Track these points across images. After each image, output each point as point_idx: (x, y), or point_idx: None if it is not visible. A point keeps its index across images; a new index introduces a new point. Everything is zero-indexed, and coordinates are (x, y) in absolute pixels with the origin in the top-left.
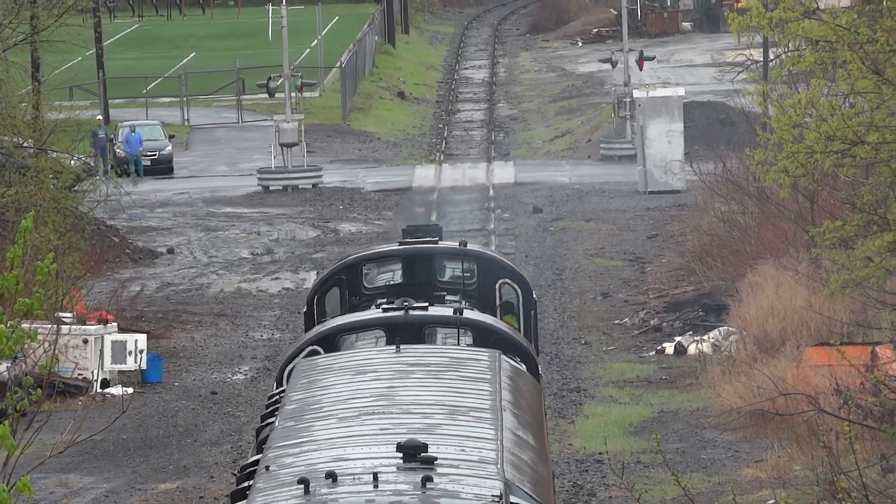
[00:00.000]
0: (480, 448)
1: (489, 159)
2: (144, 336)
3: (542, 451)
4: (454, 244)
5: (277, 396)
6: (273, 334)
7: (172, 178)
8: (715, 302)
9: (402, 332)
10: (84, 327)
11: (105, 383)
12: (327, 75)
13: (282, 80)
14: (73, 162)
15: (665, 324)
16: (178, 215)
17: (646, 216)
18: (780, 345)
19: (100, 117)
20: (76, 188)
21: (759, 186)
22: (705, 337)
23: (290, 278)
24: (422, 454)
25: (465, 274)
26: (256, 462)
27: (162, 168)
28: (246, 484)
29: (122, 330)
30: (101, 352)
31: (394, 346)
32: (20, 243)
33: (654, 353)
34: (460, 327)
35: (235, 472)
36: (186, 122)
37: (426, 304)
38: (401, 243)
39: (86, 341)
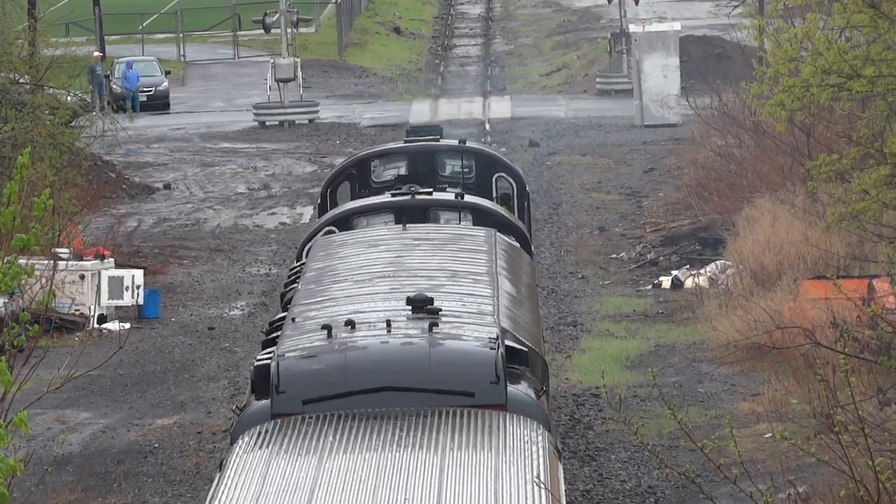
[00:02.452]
0: (479, 303)
1: (485, 94)
2: (141, 272)
3: (533, 310)
4: (454, 142)
5: (298, 268)
6: (270, 269)
7: (169, 113)
8: (711, 236)
9: (409, 214)
10: (81, 263)
11: (102, 319)
12: (323, 11)
13: (278, 15)
14: (69, 98)
15: (662, 258)
16: (174, 151)
17: (642, 150)
18: (777, 278)
19: (98, 53)
20: (73, 124)
21: (756, 120)
22: (702, 271)
23: (287, 213)
24: (428, 306)
25: (465, 169)
26: (282, 318)
27: (158, 104)
28: (275, 335)
29: (118, 265)
30: (98, 287)
31: (401, 225)
32: (17, 179)
33: (650, 287)
34: (461, 210)
35: (263, 330)
36: (182, 59)
37: (430, 189)
38: (405, 141)
39: (83, 277)
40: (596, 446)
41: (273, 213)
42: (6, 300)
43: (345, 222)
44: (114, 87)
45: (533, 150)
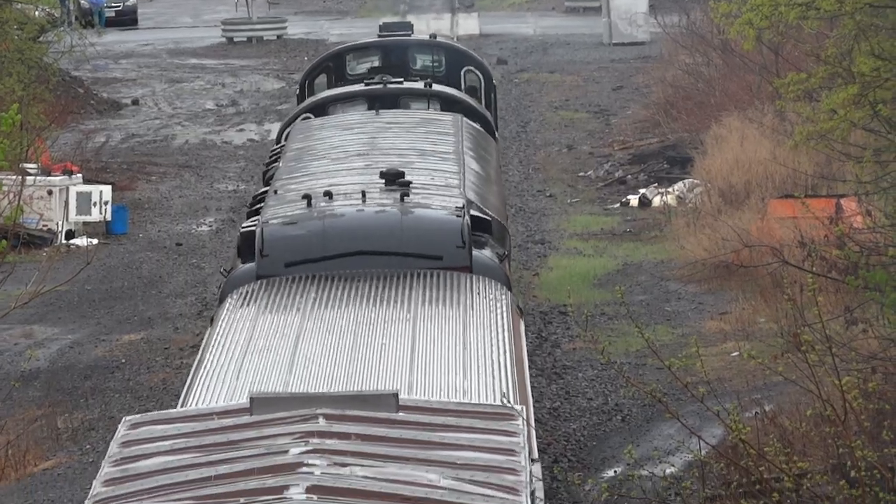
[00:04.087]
0: (447, 177)
1: (453, 10)
2: (109, 187)
3: (498, 187)
4: (425, 37)
5: (278, 149)
6: (238, 186)
7: (137, 29)
8: (679, 154)
9: (382, 101)
10: (49, 178)
11: (70, 234)
12: None
13: None
14: (37, 13)
15: (629, 176)
16: (142, 66)
17: (610, 68)
18: (745, 197)
19: None
20: (40, 39)
21: (724, 39)
22: (670, 189)
23: (255, 130)
24: (399, 179)
25: (435, 62)
26: (265, 192)
27: (126, 19)
28: (258, 206)
29: (86, 181)
30: (66, 203)
31: (374, 111)
32: None
33: (618, 205)
34: (430, 98)
35: (247, 205)
36: None
37: (401, 79)
38: (379, 36)
39: (50, 192)
40: (563, 364)
41: (241, 130)
42: None
43: (321, 109)
44: (81, 2)
45: (501, 67)
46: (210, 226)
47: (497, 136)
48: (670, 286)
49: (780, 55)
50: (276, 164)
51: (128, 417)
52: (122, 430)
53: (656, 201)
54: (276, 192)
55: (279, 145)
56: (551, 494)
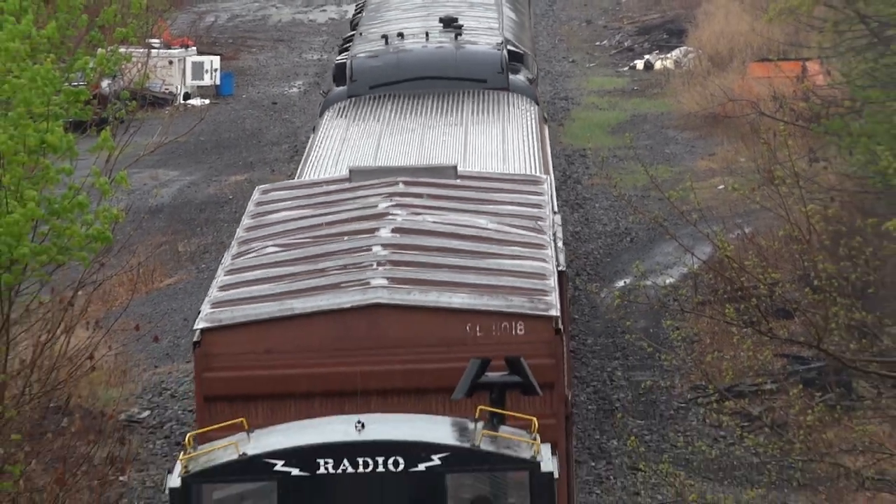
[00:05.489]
0: (489, 22)
1: None
2: (218, 57)
3: (529, 32)
4: None
5: (362, 4)
6: (322, 56)
7: None
8: (677, 27)
9: None
10: (169, 51)
11: (187, 96)
12: None
13: None
14: None
15: (636, 45)
16: None
17: None
18: (729, 61)
19: None
20: None
21: None
22: (669, 55)
23: (335, 10)
24: (454, 23)
25: None
26: (352, 35)
27: None
28: (347, 45)
29: (200, 53)
30: (184, 71)
31: None
32: None
33: (627, 68)
34: None
35: (338, 45)
36: None
37: None
38: None
39: (171, 62)
40: (583, 196)
41: (324, 11)
42: (110, 81)
43: None
44: None
45: None
46: (299, 88)
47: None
48: (669, 133)
49: None
50: (361, 14)
51: (260, 186)
52: (255, 195)
53: (658, 65)
54: (360, 34)
55: (361, 3)
56: (574, 301)
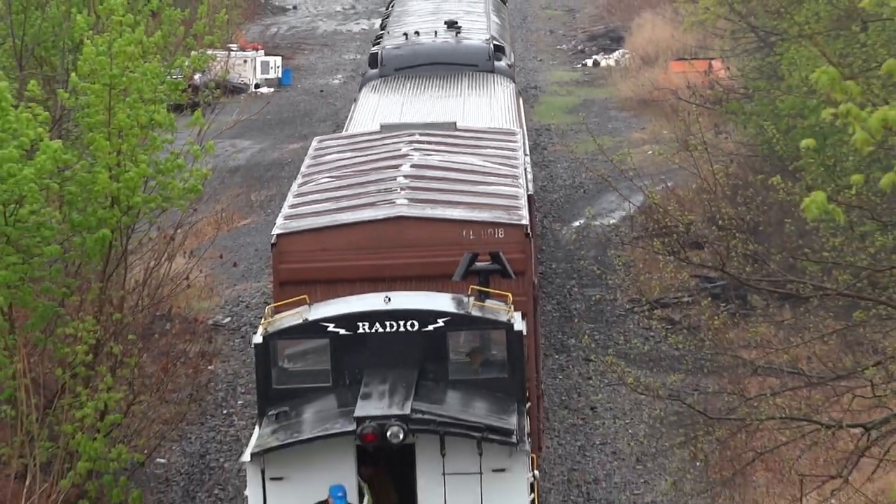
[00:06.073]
0: (480, 24)
1: None
2: (280, 58)
3: (509, 31)
4: None
5: (388, 11)
6: (356, 56)
7: None
8: (617, 34)
9: None
10: (244, 52)
11: (257, 86)
12: None
13: None
14: None
15: (587, 48)
16: None
17: None
18: (655, 60)
19: None
20: None
21: None
22: (611, 56)
23: (366, 23)
24: (455, 25)
25: None
26: (382, 33)
27: None
28: (379, 39)
29: (266, 54)
30: (255, 67)
31: None
32: (205, 2)
33: (580, 65)
34: None
35: (371, 41)
36: None
37: None
38: None
39: (245, 61)
40: (549, 160)
41: (358, 23)
42: (200, 75)
43: None
44: None
45: None
46: (339, 80)
47: (507, 4)
48: (611, 113)
49: None
50: (388, 18)
51: (317, 136)
52: (314, 143)
53: (603, 63)
54: (388, 32)
55: (388, 10)
56: (542, 235)
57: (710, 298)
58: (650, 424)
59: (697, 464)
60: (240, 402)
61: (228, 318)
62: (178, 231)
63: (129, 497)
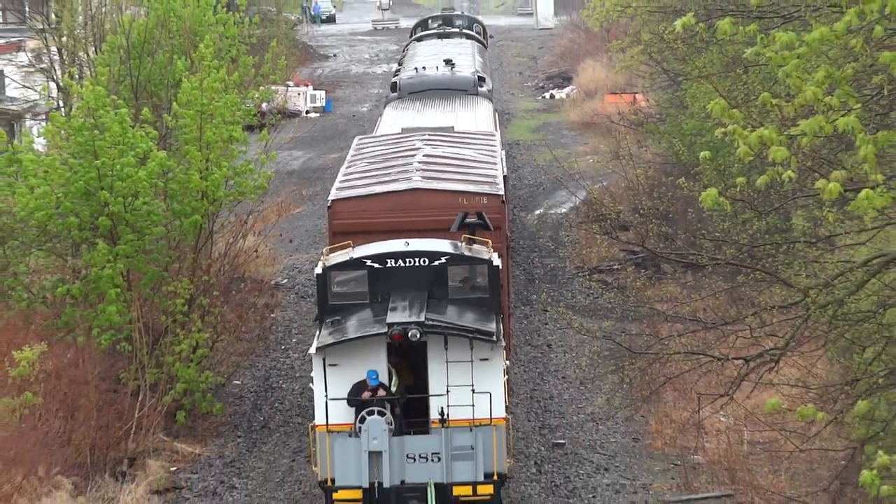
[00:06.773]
0: (469, 61)
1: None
2: (324, 92)
3: (489, 66)
4: (460, 12)
5: (403, 54)
6: (379, 91)
7: (335, 23)
8: (567, 75)
9: (443, 35)
10: (298, 88)
11: (307, 112)
12: None
13: None
14: (292, 17)
15: (545, 84)
16: (337, 41)
17: (538, 39)
18: (595, 93)
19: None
20: (295, 27)
21: (587, 26)
22: (563, 90)
23: (386, 67)
24: (451, 62)
25: (465, 21)
26: (399, 67)
27: (329, 19)
28: (397, 72)
29: (315, 89)
30: (305, 98)
31: (440, 40)
32: (270, 52)
33: (541, 97)
34: (462, 32)
35: (392, 72)
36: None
37: (449, 27)
38: (442, 10)
39: (299, 94)
40: (518, 165)
41: (380, 67)
42: (266, 104)
43: (419, 38)
44: (310, 10)
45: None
46: (367, 108)
47: (487, 43)
48: (563, 132)
49: (610, 32)
50: (403, 57)
51: (357, 136)
52: (355, 141)
53: (558, 96)
54: (403, 67)
55: (402, 53)
56: (513, 220)
57: (633, 266)
58: (590, 357)
59: (624, 386)
60: (294, 340)
61: (286, 280)
62: (250, 217)
63: (213, 408)
